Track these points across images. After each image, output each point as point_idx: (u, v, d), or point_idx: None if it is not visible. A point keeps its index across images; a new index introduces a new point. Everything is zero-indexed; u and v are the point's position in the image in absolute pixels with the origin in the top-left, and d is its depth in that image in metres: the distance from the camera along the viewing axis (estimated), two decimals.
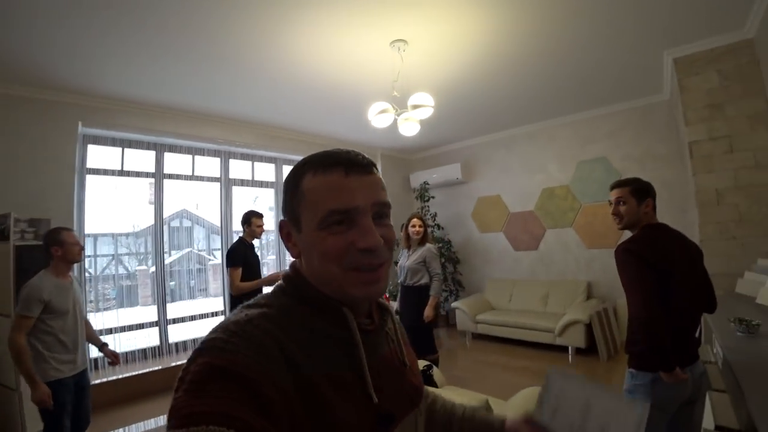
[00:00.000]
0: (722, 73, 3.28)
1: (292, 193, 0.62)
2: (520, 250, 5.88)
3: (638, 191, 1.80)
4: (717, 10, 2.89)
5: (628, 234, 1.91)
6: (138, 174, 4.35)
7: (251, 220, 3.51)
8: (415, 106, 3.11)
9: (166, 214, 4.57)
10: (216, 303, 5.12)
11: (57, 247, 2.28)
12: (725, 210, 3.25)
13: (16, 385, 2.72)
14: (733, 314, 2.16)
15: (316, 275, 0.61)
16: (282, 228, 0.66)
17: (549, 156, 5.57)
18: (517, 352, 4.82)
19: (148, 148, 4.38)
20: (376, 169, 0.64)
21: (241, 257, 3.35)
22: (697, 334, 1.82)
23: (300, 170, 0.62)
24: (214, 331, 0.52)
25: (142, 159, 4.38)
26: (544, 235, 5.62)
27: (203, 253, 5.44)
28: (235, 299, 3.48)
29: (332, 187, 0.58)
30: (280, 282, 0.66)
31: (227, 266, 3.33)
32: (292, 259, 0.68)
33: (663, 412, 1.71)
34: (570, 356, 4.42)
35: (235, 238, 3.78)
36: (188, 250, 5.14)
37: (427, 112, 3.17)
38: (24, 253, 2.98)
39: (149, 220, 4.51)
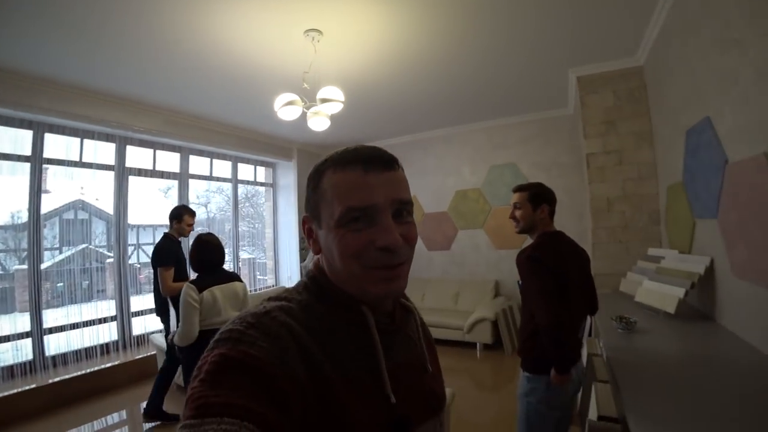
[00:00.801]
0: (617, 94, 3.64)
1: (313, 189, 0.62)
2: (434, 250, 6.07)
3: (534, 197, 1.86)
4: (614, 37, 3.19)
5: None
6: (7, 157, 3.68)
7: (183, 216, 3.32)
8: (324, 100, 2.98)
9: (57, 204, 3.98)
10: (113, 306, 4.54)
11: None
12: (614, 216, 3.61)
13: None
14: (615, 312, 2.39)
15: (336, 272, 0.61)
16: (305, 224, 0.66)
17: (463, 159, 5.81)
18: None
19: (24, 127, 3.75)
20: (399, 165, 0.62)
21: (173, 255, 3.18)
22: (580, 335, 1.95)
23: (321, 167, 0.62)
24: (233, 322, 0.52)
25: (15, 139, 3.74)
26: (457, 235, 5.86)
27: (102, 250, 4.82)
28: (164, 301, 3.32)
29: (351, 184, 0.57)
30: (303, 278, 0.66)
31: (157, 265, 3.12)
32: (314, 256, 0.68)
33: (556, 410, 1.82)
34: (478, 352, 4.64)
35: (143, 236, 3.42)
36: (84, 246, 4.55)
37: (336, 107, 3.05)
38: None
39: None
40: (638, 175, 3.52)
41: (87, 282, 4.43)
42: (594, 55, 3.51)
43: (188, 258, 2.56)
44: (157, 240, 3.38)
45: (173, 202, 5.12)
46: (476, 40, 3.15)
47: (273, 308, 0.55)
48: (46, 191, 4.13)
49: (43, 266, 3.92)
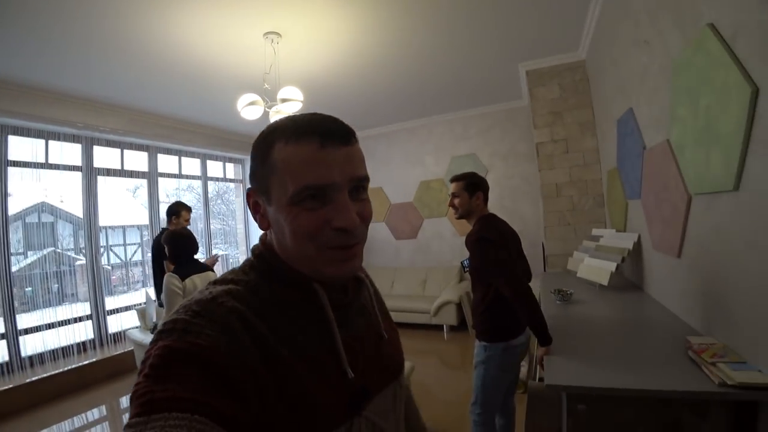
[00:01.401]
0: (562, 87, 3.89)
1: (261, 161, 0.56)
2: (401, 239, 6.29)
3: (469, 186, 2.02)
4: (557, 33, 3.43)
5: None
6: None
7: (181, 212, 3.34)
8: (284, 100, 3.14)
9: (18, 208, 3.97)
10: (76, 308, 4.49)
11: None
12: (562, 201, 3.88)
13: None
14: (559, 287, 2.64)
15: (287, 251, 0.58)
16: (249, 197, 0.61)
17: (426, 150, 6.03)
18: (399, 333, 5.17)
19: None
20: (356, 138, 0.58)
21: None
22: None
23: (270, 137, 0.56)
24: (177, 311, 0.49)
25: None
26: (422, 224, 6.09)
27: (70, 253, 4.80)
28: None
29: (306, 160, 0.53)
30: (249, 257, 0.63)
31: (164, 260, 3.04)
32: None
33: (509, 373, 2.04)
34: (445, 333, 4.88)
35: (130, 236, 3.44)
36: (51, 249, 4.53)
37: (296, 106, 3.20)
38: None
39: None
40: (583, 162, 3.80)
41: (57, 285, 4.40)
42: (540, 50, 3.76)
43: (166, 251, 2.65)
44: (154, 236, 3.44)
45: (142, 202, 5.15)
46: (432, 37, 3.33)
47: (219, 293, 0.52)
48: (9, 194, 4.12)
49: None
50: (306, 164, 0.53)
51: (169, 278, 2.48)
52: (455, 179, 2.07)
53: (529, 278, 2.22)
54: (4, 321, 3.79)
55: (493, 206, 5.14)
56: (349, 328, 0.63)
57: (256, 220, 0.61)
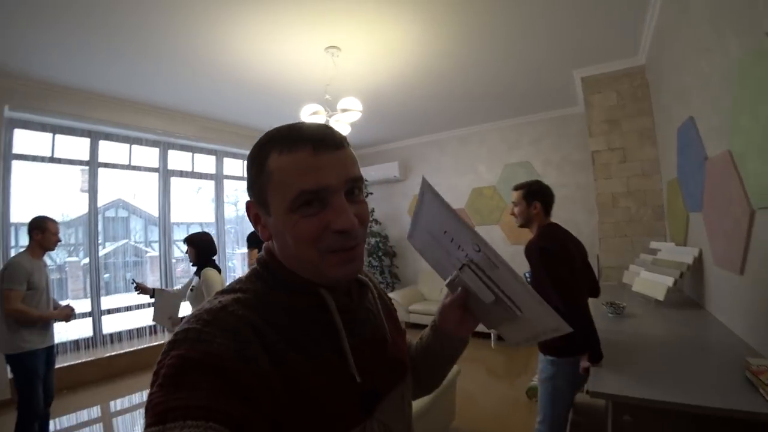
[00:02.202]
0: (620, 93, 3.78)
1: (257, 173, 0.58)
2: None
3: (528, 195, 2.02)
4: (614, 38, 3.35)
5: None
6: (71, 162, 4.24)
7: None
8: (345, 110, 3.33)
9: (100, 203, 4.47)
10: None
11: (38, 233, 2.55)
12: (619, 212, 3.76)
13: None
14: (612, 300, 2.58)
15: (291, 258, 0.59)
16: (249, 209, 0.62)
17: (479, 158, 6.01)
18: None
19: (82, 135, 4.27)
20: (347, 143, 0.60)
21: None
22: None
23: (264, 148, 0.58)
24: (188, 321, 0.51)
25: (75, 146, 4.27)
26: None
27: (140, 245, 5.32)
28: None
29: (300, 166, 0.54)
30: (254, 266, 0.64)
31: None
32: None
33: (575, 389, 1.97)
34: (492, 341, 4.85)
35: (177, 232, 3.71)
36: (124, 241, 5.02)
37: (355, 116, 3.40)
38: None
39: (80, 210, 4.39)
40: (642, 172, 3.67)
41: (129, 274, 4.90)
42: (596, 56, 3.68)
43: (197, 252, 2.81)
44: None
45: (203, 201, 5.57)
46: (485, 45, 3.37)
47: (229, 302, 0.54)
48: (86, 191, 4.64)
49: (87, 260, 4.42)
50: (301, 170, 0.54)
51: (213, 274, 2.69)
52: (516, 188, 2.09)
53: (596, 292, 2.17)
54: (91, 302, 4.32)
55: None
56: (355, 332, 0.64)
57: (257, 231, 0.62)
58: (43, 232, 2.57)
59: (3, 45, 3.05)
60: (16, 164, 3.86)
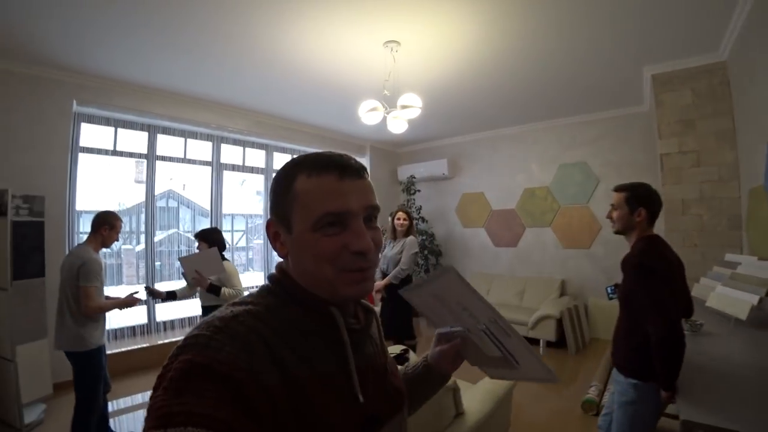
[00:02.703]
0: (696, 92, 3.50)
1: (283, 192, 0.61)
2: (500, 247, 6.12)
3: (631, 199, 1.78)
4: (694, 33, 3.09)
5: (607, 238, 1.97)
6: (131, 154, 4.41)
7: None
8: (404, 107, 3.25)
9: (146, 193, 4.62)
10: None
11: (107, 228, 2.57)
12: (689, 220, 3.49)
13: (12, 356, 2.84)
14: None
15: (306, 275, 0.61)
16: (269, 227, 0.65)
17: (532, 157, 5.79)
18: None
19: (141, 129, 4.43)
20: (367, 173, 0.64)
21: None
22: None
23: (292, 171, 0.61)
24: (198, 327, 0.52)
25: (135, 139, 4.43)
26: (524, 233, 5.86)
27: (189, 235, 5.50)
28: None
29: (327, 189, 0.58)
30: (266, 283, 0.66)
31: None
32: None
33: (657, 419, 1.79)
34: (541, 348, 4.67)
35: (237, 224, 3.78)
36: (174, 230, 5.20)
37: (414, 113, 3.31)
38: (17, 229, 3.04)
39: (135, 199, 4.58)
40: (719, 177, 3.38)
41: (178, 263, 5.07)
42: (670, 52, 3.41)
43: (209, 247, 3.03)
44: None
45: (247, 193, 5.68)
46: (547, 39, 3.20)
47: (240, 312, 0.55)
48: (141, 182, 4.83)
49: (138, 248, 4.59)
50: (327, 194, 0.58)
51: (230, 264, 3.09)
52: (617, 189, 1.85)
53: (690, 312, 1.99)
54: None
55: (605, 220, 4.83)
56: (361, 354, 0.66)
57: (275, 248, 0.65)
58: (111, 228, 2.60)
59: (72, 44, 3.18)
60: (81, 156, 4.04)
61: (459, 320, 0.78)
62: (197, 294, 3.16)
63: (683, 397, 1.46)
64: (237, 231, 7.60)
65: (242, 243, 7.83)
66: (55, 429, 2.97)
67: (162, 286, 4.67)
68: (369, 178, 0.64)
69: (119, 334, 4.26)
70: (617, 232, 1.87)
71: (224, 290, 2.93)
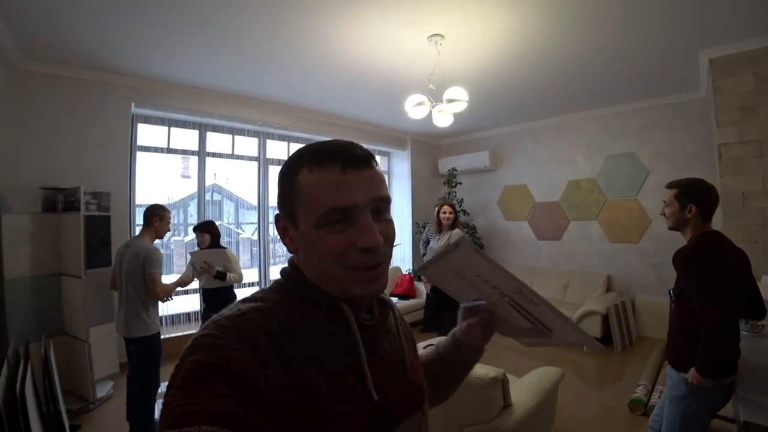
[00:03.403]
0: (758, 76, 3.29)
1: (287, 187, 0.60)
2: (543, 240, 6.01)
3: (682, 195, 1.77)
4: (758, 11, 2.90)
5: (658, 232, 1.89)
6: (184, 152, 4.67)
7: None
8: (450, 100, 3.26)
9: (197, 188, 4.87)
10: (248, 274, 5.41)
11: (157, 219, 2.77)
12: (750, 213, 3.31)
13: (86, 337, 3.11)
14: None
15: (315, 272, 0.60)
16: (278, 222, 0.64)
17: (577, 148, 5.62)
18: None
19: (193, 128, 4.67)
20: (375, 161, 0.61)
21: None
22: None
23: (295, 165, 0.59)
24: (206, 327, 0.51)
25: (186, 137, 4.68)
26: (568, 226, 5.73)
27: (232, 227, 5.73)
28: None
29: (329, 184, 0.55)
30: (278, 278, 0.65)
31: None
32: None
33: (710, 416, 1.76)
34: (585, 345, 4.57)
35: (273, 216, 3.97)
36: (218, 223, 5.44)
37: (461, 106, 3.31)
38: (88, 223, 3.30)
39: (182, 193, 4.87)
40: None
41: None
42: (731, 34, 3.22)
43: (211, 238, 3.45)
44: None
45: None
46: (595, 25, 3.09)
47: (248, 310, 0.54)
48: (188, 176, 5.08)
49: (186, 239, 4.84)
50: (329, 188, 0.55)
51: (231, 251, 3.48)
52: (669, 185, 1.86)
53: (761, 312, 1.90)
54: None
55: (655, 214, 4.65)
56: (374, 350, 0.63)
57: (285, 244, 0.64)
58: (161, 219, 2.79)
59: (130, 49, 3.40)
60: (139, 155, 4.32)
61: (482, 293, 0.75)
62: (202, 279, 3.44)
63: (743, 398, 1.43)
64: (271, 223, 7.87)
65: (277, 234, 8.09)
66: (122, 404, 3.23)
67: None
68: (377, 167, 0.60)
69: (176, 319, 4.55)
70: (671, 229, 1.86)
71: (229, 275, 3.37)
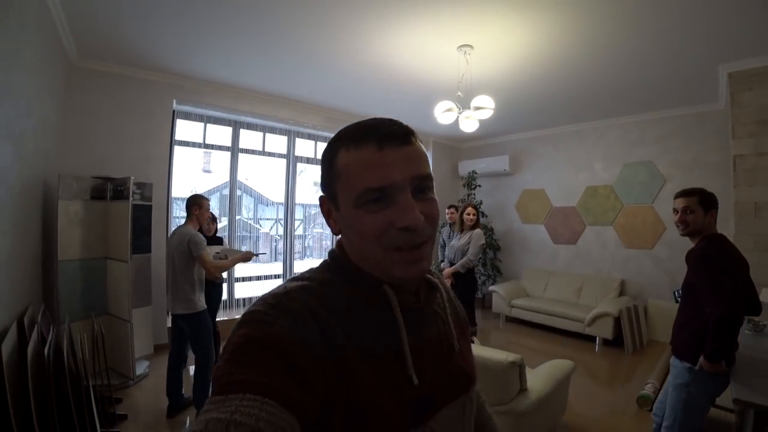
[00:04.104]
0: None
1: (327, 169, 0.60)
2: (559, 244, 6.14)
3: (705, 202, 1.94)
4: None
5: (671, 239, 2.01)
6: (220, 147, 4.93)
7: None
8: (477, 108, 3.45)
9: (218, 183, 5.09)
10: (273, 267, 5.67)
11: (197, 208, 3.01)
12: (762, 223, 3.42)
13: (129, 317, 3.36)
14: (751, 317, 2.43)
15: (357, 253, 0.60)
16: (322, 204, 0.63)
17: (596, 155, 5.74)
18: (547, 337, 5.16)
19: (227, 125, 4.92)
20: (415, 138, 0.58)
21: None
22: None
23: (334, 146, 0.59)
24: (255, 303, 0.54)
25: (220, 134, 4.94)
26: (584, 231, 5.85)
27: (250, 222, 5.93)
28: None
29: (366, 163, 0.54)
30: (326, 258, 0.66)
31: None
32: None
33: (710, 402, 1.95)
34: (597, 346, 4.70)
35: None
36: (237, 217, 5.66)
37: (487, 114, 3.50)
38: (133, 212, 3.54)
39: (203, 187, 5.18)
40: None
41: (245, 247, 5.47)
42: (749, 49, 3.32)
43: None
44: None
45: (304, 181, 6.10)
46: (618, 39, 3.22)
47: (293, 288, 0.56)
48: (209, 171, 5.32)
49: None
50: (366, 167, 0.54)
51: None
52: (686, 194, 2.00)
53: (757, 309, 2.05)
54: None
55: (669, 221, 4.75)
56: (418, 334, 0.62)
57: (329, 225, 0.63)
58: (200, 207, 3.03)
59: (173, 49, 3.62)
60: (176, 149, 4.58)
61: None
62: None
63: (739, 382, 1.59)
64: (296, 219, 8.08)
65: (300, 231, 8.29)
66: (157, 382, 3.47)
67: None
68: (418, 143, 0.59)
69: None
70: (688, 234, 2.00)
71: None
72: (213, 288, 3.55)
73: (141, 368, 3.58)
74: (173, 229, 3.53)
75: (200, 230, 3.44)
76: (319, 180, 0.65)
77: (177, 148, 4.60)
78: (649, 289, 5.16)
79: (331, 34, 3.27)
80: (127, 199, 3.41)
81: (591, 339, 4.82)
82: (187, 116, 4.63)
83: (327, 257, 0.66)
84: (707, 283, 1.80)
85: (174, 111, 4.41)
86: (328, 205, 0.62)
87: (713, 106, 4.65)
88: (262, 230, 7.22)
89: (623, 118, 5.38)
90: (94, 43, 3.46)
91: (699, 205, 1.94)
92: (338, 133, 0.60)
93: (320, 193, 0.64)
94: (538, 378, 2.39)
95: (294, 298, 0.54)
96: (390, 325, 0.59)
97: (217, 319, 4.57)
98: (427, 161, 0.59)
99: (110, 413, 2.81)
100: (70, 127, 3.67)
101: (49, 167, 3.17)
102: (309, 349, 0.49)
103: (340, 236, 0.64)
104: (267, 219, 6.78)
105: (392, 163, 0.54)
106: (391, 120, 0.58)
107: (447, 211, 4.64)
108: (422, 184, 0.57)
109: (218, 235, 3.87)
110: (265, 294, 0.56)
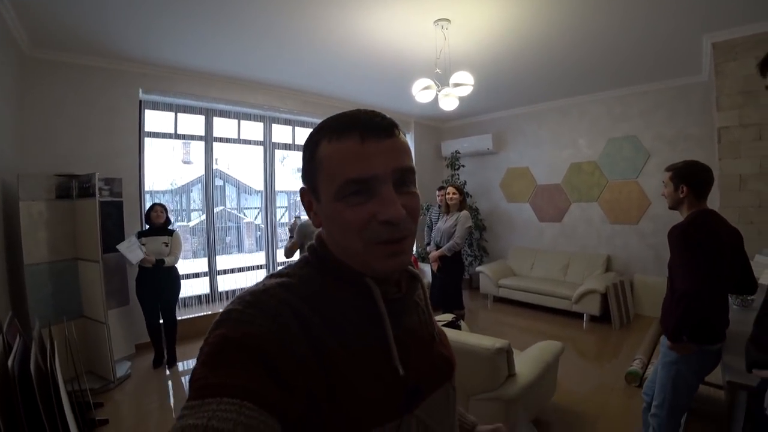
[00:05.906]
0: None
1: (308, 160, 0.59)
2: (545, 222, 6.12)
3: (675, 177, 1.91)
4: None
5: (657, 214, 1.95)
6: (192, 137, 4.73)
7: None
8: (457, 84, 3.32)
9: (198, 174, 4.93)
10: (255, 258, 5.55)
11: None
12: (746, 196, 3.40)
13: (105, 319, 3.24)
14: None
15: (338, 246, 0.59)
16: (303, 196, 0.63)
17: (579, 131, 5.67)
18: (535, 315, 5.17)
19: (199, 113, 4.71)
20: (399, 130, 0.58)
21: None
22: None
23: (315, 136, 0.58)
24: (232, 302, 0.52)
25: (193, 123, 4.73)
26: (569, 208, 5.83)
27: (234, 212, 5.79)
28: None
29: (347, 154, 0.53)
30: (305, 253, 0.65)
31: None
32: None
33: (699, 380, 1.93)
34: (584, 323, 4.73)
35: (279, 200, 4.08)
36: (221, 208, 5.52)
37: (467, 90, 3.38)
38: (102, 209, 3.38)
39: (184, 179, 5.00)
40: None
41: (229, 238, 5.41)
42: (734, 19, 3.23)
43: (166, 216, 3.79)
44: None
45: (287, 169, 5.94)
46: (598, 7, 3.09)
47: (272, 285, 0.55)
48: (189, 162, 5.15)
49: (191, 223, 4.94)
50: (347, 159, 0.53)
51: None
52: (667, 168, 1.98)
53: (753, 288, 2.03)
54: (208, 262, 4.90)
55: (654, 196, 4.74)
56: (401, 324, 0.62)
57: (309, 218, 0.63)
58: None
59: (138, 35, 3.41)
60: (147, 141, 4.36)
61: None
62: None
63: (731, 363, 1.55)
64: (280, 207, 7.93)
65: (285, 218, 8.16)
66: (139, 383, 3.41)
67: (221, 261, 5.10)
68: (401, 136, 0.58)
69: (188, 302, 4.69)
70: (671, 208, 2.00)
71: (167, 259, 3.69)
72: (156, 275, 3.61)
73: (122, 370, 3.48)
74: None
75: (148, 219, 3.72)
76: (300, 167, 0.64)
77: (148, 140, 4.38)
78: (635, 264, 5.18)
79: (303, 13, 3.09)
80: (94, 196, 3.24)
81: (578, 316, 4.84)
82: (155, 106, 4.40)
83: (306, 252, 0.64)
84: (681, 261, 1.80)
85: (141, 101, 4.19)
86: (309, 196, 0.61)
87: (697, 78, 4.59)
88: (245, 220, 7.08)
89: (606, 92, 5.31)
90: (48, 30, 3.22)
91: (670, 180, 1.93)
92: (320, 123, 0.59)
93: (301, 185, 0.63)
94: (526, 361, 2.36)
95: (273, 295, 0.53)
96: (373, 318, 0.58)
97: (201, 314, 4.52)
98: (410, 154, 0.58)
99: (90, 419, 2.72)
100: (28, 122, 3.45)
101: (7, 166, 2.98)
102: (289, 348, 0.48)
103: (320, 230, 0.63)
104: (252, 208, 6.62)
105: (374, 155, 0.53)
106: (374, 112, 0.57)
107: (438, 193, 4.52)
108: (404, 177, 0.56)
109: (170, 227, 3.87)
110: (243, 292, 0.54)
